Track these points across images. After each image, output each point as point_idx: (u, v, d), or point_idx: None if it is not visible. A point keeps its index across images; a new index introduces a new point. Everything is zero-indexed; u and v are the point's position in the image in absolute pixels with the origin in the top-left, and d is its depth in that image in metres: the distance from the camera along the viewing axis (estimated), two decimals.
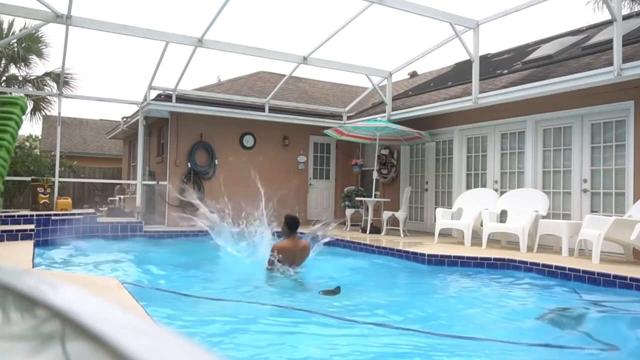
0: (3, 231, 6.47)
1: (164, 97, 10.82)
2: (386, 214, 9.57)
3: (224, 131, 11.39)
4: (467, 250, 7.10)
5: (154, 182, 11.33)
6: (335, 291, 4.66)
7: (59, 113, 10.26)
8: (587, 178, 7.70)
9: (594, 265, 5.79)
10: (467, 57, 9.06)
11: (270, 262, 5.61)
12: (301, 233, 6.05)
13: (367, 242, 8.23)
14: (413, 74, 15.27)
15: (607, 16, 9.97)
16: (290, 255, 5.52)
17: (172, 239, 9.61)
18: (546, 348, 3.39)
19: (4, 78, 16.08)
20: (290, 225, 5.68)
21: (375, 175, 10.30)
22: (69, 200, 9.02)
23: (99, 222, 9.15)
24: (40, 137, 20.93)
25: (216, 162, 11.27)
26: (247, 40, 12.98)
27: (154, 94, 10.71)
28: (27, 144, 16.38)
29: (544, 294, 5.10)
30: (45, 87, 16.69)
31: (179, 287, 5.17)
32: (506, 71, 9.78)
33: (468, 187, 9.66)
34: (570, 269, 5.59)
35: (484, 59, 10.92)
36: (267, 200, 6.35)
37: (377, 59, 37.64)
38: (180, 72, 9.97)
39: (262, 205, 6.23)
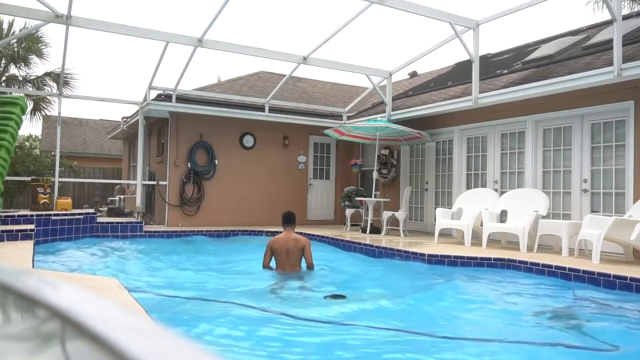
0: (3, 231, 6.47)
1: (164, 97, 10.82)
2: (386, 214, 9.57)
3: (224, 131, 11.40)
4: (467, 250, 7.10)
5: (154, 182, 11.33)
6: (341, 296, 4.64)
7: (59, 113, 10.26)
8: (587, 178, 7.70)
9: (594, 265, 5.79)
10: (467, 57, 9.06)
11: (265, 261, 5.76)
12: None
13: (367, 242, 8.23)
14: (413, 74, 15.27)
15: (607, 16, 9.97)
16: (282, 245, 5.68)
17: (172, 238, 9.61)
18: (547, 348, 3.39)
19: (4, 78, 16.08)
20: (283, 219, 5.92)
21: (375, 175, 10.30)
22: (69, 200, 9.02)
23: (98, 222, 9.15)
24: (40, 137, 20.92)
25: (216, 162, 11.27)
26: (247, 40, 12.98)
27: (154, 94, 10.71)
28: (27, 144, 16.36)
29: (544, 294, 5.10)
30: (45, 87, 16.68)
31: (178, 288, 5.17)
32: (506, 71, 9.78)
33: (468, 187, 9.66)
34: (570, 269, 5.59)
35: (484, 59, 10.92)
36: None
37: (377, 59, 37.65)
38: (180, 72, 9.97)
39: None
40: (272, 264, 5.83)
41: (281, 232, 6.06)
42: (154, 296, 4.67)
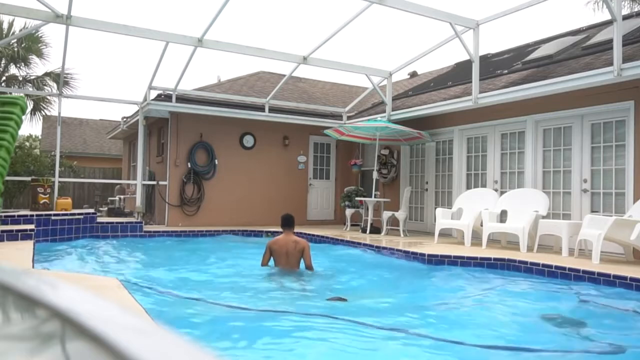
0: (3, 231, 6.47)
1: (164, 97, 10.82)
2: (386, 214, 9.57)
3: (224, 131, 11.40)
4: (467, 250, 7.10)
5: (154, 182, 11.33)
6: (342, 299, 4.65)
7: (59, 113, 10.26)
8: (587, 178, 7.70)
9: (594, 265, 5.79)
10: (467, 57, 9.06)
11: (264, 261, 5.84)
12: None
13: (367, 242, 8.23)
14: (413, 74, 15.27)
15: (607, 16, 9.97)
16: (282, 247, 5.76)
17: (172, 238, 9.60)
18: (549, 352, 3.39)
19: (4, 78, 16.08)
20: (282, 222, 5.98)
21: (375, 175, 10.30)
22: (69, 200, 9.01)
23: (98, 222, 9.15)
24: (40, 137, 20.92)
25: (216, 162, 11.27)
26: (247, 40, 12.98)
27: (154, 94, 10.71)
28: (27, 144, 16.36)
29: (544, 295, 5.10)
30: (45, 87, 16.68)
31: (178, 288, 5.17)
32: (506, 71, 9.78)
33: (468, 187, 9.66)
34: (570, 269, 5.59)
35: (484, 59, 10.92)
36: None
37: (377, 59, 37.65)
38: (180, 72, 9.97)
39: None
40: (270, 265, 5.87)
41: (280, 232, 6.10)
42: (154, 296, 4.67)
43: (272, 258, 5.86)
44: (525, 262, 6.13)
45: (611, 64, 6.69)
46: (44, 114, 17.44)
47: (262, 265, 5.88)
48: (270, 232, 9.85)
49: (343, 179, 12.93)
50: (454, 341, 3.43)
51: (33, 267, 4.89)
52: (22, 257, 5.07)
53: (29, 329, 0.61)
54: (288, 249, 5.75)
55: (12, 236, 6.52)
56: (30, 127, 48.19)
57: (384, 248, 7.60)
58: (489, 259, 6.44)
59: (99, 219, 9.42)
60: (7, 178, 8.61)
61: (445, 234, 9.12)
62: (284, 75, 11.25)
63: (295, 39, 39.92)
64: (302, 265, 5.85)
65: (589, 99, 7.53)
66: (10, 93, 13.82)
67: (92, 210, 9.70)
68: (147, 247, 8.35)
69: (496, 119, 9.09)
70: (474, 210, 8.01)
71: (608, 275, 5.22)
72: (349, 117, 12.69)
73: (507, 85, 8.50)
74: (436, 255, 6.72)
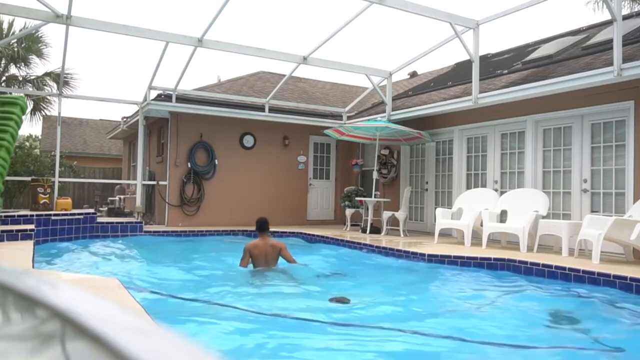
0: (3, 231, 6.47)
1: (164, 97, 10.82)
2: (386, 214, 9.57)
3: (224, 131, 11.40)
4: (467, 250, 7.10)
5: (154, 182, 11.33)
6: (345, 300, 4.66)
7: (59, 113, 10.26)
8: (587, 178, 7.70)
9: (594, 265, 5.79)
10: (467, 57, 9.06)
11: (243, 264, 5.95)
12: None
13: (367, 242, 8.23)
14: (413, 74, 15.26)
15: (607, 16, 9.97)
16: (261, 251, 5.96)
17: (172, 238, 9.60)
18: (548, 348, 3.39)
19: (4, 78, 16.07)
20: (257, 226, 6.18)
21: (375, 175, 10.30)
22: (69, 200, 9.01)
23: (98, 222, 9.15)
24: (40, 137, 20.92)
25: (216, 162, 11.27)
26: (247, 40, 12.98)
27: (154, 94, 10.71)
28: (27, 144, 16.35)
29: (544, 294, 5.10)
30: (45, 87, 16.68)
31: (177, 289, 5.17)
32: (506, 71, 9.78)
33: (468, 187, 9.65)
34: (570, 269, 5.59)
35: (484, 59, 10.92)
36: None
37: (377, 59, 37.63)
38: (180, 72, 9.97)
39: None
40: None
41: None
42: (154, 296, 4.67)
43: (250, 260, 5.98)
44: (525, 262, 6.13)
45: (611, 64, 6.69)
46: (44, 114, 17.44)
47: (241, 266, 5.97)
48: (270, 232, 9.83)
49: (343, 179, 12.93)
50: (456, 338, 3.44)
51: (33, 267, 4.89)
52: (22, 257, 5.07)
53: (29, 329, 0.61)
54: (267, 252, 5.97)
55: (12, 236, 6.52)
56: (30, 127, 48.21)
57: (384, 248, 7.59)
58: (489, 259, 6.44)
59: (99, 219, 9.42)
60: (7, 178, 8.61)
61: (445, 234, 9.12)
62: (284, 75, 11.25)
63: (295, 39, 39.91)
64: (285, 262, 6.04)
65: (589, 99, 7.53)
66: (10, 93, 13.83)
67: (92, 210, 9.70)
68: (147, 247, 8.34)
69: (496, 119, 9.09)
70: (474, 210, 8.01)
71: (608, 276, 5.22)
72: (349, 117, 12.69)
73: (507, 85, 8.50)
74: (436, 255, 6.72)
